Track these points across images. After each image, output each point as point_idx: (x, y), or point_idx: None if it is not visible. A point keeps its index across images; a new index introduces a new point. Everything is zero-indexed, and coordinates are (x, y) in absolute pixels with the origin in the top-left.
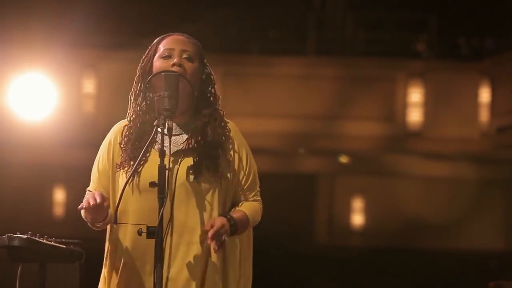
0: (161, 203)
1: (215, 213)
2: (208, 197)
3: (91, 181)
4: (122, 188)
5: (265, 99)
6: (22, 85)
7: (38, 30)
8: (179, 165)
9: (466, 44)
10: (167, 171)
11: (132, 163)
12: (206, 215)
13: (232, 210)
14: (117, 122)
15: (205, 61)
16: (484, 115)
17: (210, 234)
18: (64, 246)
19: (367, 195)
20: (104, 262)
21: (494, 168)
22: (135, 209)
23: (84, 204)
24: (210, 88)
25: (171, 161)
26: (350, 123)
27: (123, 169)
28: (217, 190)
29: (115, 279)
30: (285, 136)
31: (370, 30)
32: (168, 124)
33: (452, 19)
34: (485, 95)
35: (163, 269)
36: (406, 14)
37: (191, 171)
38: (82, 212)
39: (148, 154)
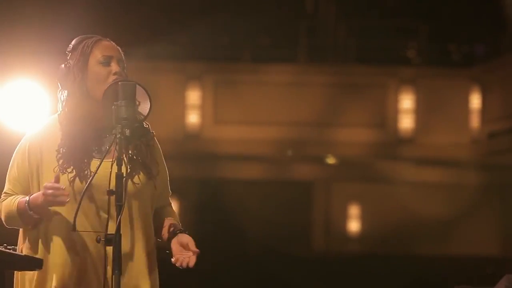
0: (119, 211)
1: (150, 218)
2: (147, 202)
3: (9, 183)
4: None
5: (257, 106)
6: (15, 93)
7: (28, 36)
8: (111, 171)
9: (456, 50)
10: (124, 179)
11: (72, 167)
12: (147, 219)
13: (168, 219)
14: None
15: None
16: (475, 121)
17: (194, 255)
18: (22, 254)
19: (362, 201)
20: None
21: (486, 173)
22: (66, 212)
23: (59, 198)
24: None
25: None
26: (342, 129)
27: (64, 172)
28: (148, 192)
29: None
30: (277, 143)
31: (361, 37)
32: (126, 132)
33: (443, 26)
34: (476, 101)
35: (120, 276)
36: (397, 21)
37: (133, 178)
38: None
39: (86, 161)
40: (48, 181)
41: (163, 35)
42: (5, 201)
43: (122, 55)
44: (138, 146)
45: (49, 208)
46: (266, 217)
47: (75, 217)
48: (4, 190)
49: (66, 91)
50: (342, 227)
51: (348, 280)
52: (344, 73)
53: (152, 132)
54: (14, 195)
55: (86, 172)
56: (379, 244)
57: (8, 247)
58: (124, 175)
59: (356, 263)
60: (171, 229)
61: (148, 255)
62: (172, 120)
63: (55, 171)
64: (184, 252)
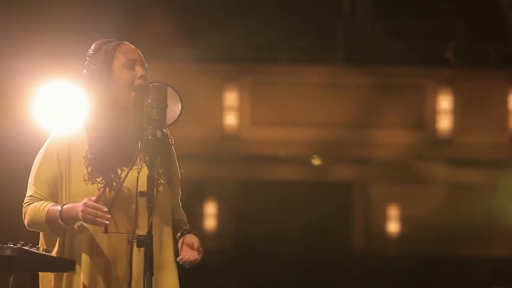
0: (150, 212)
1: (170, 221)
2: (166, 206)
3: (35, 186)
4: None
5: (294, 108)
6: (51, 95)
7: (66, 39)
8: (139, 175)
9: (494, 51)
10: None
11: (102, 177)
12: (165, 224)
13: (177, 220)
14: None
15: None
16: None
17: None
18: (54, 256)
19: (401, 202)
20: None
21: None
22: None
23: (99, 220)
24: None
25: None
26: (380, 131)
27: (94, 182)
28: (169, 199)
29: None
30: (315, 144)
31: (399, 38)
32: (158, 134)
33: (481, 27)
34: None
35: (152, 277)
36: (434, 22)
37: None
38: (56, 215)
39: (115, 171)
40: (76, 189)
41: (201, 37)
42: (32, 205)
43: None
44: (161, 152)
45: None
46: (305, 218)
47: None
48: (30, 194)
49: (91, 97)
50: (381, 228)
51: (387, 282)
52: (382, 74)
53: (171, 138)
54: (41, 199)
55: (115, 182)
56: (418, 246)
57: (33, 247)
58: (156, 177)
59: (395, 264)
60: (179, 230)
61: (174, 256)
62: (209, 122)
63: (84, 179)
64: (190, 251)
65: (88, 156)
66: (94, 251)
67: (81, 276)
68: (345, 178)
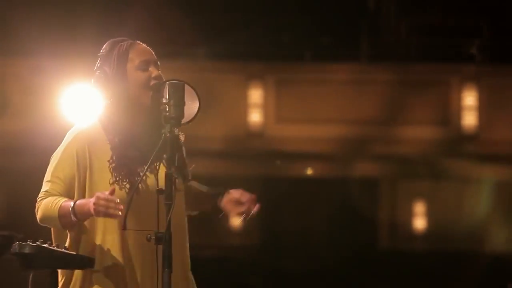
0: (168, 209)
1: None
2: (182, 204)
3: (52, 183)
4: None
5: (319, 105)
6: (78, 94)
7: (90, 38)
8: (158, 172)
9: None
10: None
11: (128, 180)
12: (183, 221)
13: (197, 191)
14: None
15: None
16: None
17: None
18: (73, 253)
19: (427, 198)
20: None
21: None
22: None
23: (111, 211)
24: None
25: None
26: (405, 127)
27: (122, 187)
28: (183, 196)
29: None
30: (341, 141)
31: (423, 35)
32: (175, 132)
33: (506, 23)
34: None
35: (171, 274)
36: (459, 18)
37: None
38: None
39: (139, 173)
40: (102, 191)
41: (225, 34)
42: (45, 200)
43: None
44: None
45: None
46: (331, 215)
47: (125, 216)
48: (46, 189)
49: (107, 98)
50: (408, 225)
51: (414, 278)
52: (406, 71)
53: (182, 134)
54: (54, 195)
55: (140, 185)
56: (445, 242)
57: (61, 245)
58: (174, 175)
59: (422, 261)
60: (209, 195)
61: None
62: (234, 119)
63: (110, 183)
64: (240, 205)
65: (113, 160)
66: (116, 249)
67: (101, 276)
68: (370, 174)
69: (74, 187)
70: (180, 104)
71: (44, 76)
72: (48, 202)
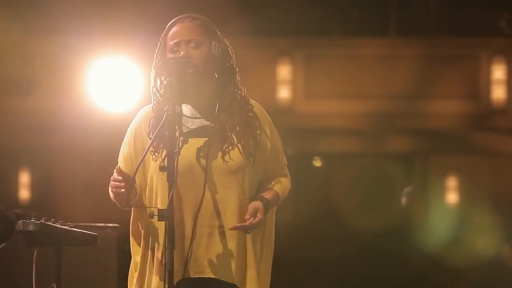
0: (171, 186)
1: (247, 193)
2: (239, 177)
3: (118, 162)
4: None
5: (348, 80)
6: (105, 71)
7: (123, 15)
8: (208, 147)
9: None
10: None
11: (160, 149)
12: (238, 196)
13: (264, 188)
14: None
15: (218, 34)
16: None
17: (247, 224)
18: (78, 230)
19: (459, 173)
20: (133, 249)
21: None
22: (164, 192)
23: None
24: (227, 64)
25: (194, 144)
26: (435, 101)
27: (155, 156)
28: (247, 169)
29: (151, 263)
30: (370, 116)
31: (452, 9)
32: (177, 109)
33: None
34: None
35: (174, 250)
36: None
37: (220, 152)
38: (111, 194)
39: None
40: (152, 167)
41: (254, 11)
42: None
43: (199, 29)
44: (231, 117)
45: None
46: (362, 190)
47: (172, 195)
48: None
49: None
50: (441, 199)
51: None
52: (436, 45)
53: (250, 105)
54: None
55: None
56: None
57: (65, 223)
58: (176, 151)
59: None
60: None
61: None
62: (263, 96)
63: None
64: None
65: (150, 134)
66: (154, 226)
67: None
68: (399, 149)
69: (132, 163)
70: (181, 81)
71: (73, 54)
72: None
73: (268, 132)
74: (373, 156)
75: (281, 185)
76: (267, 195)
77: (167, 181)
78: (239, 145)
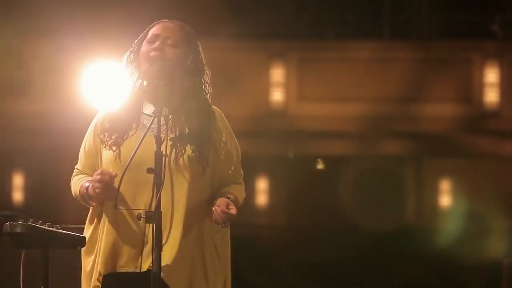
0: (158, 189)
1: (196, 195)
2: (196, 183)
3: (79, 160)
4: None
5: (341, 83)
6: (99, 73)
7: (114, 18)
8: (165, 146)
9: None
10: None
11: (115, 142)
12: (187, 198)
13: (222, 192)
14: None
15: (198, 49)
16: None
17: (220, 211)
18: (65, 232)
19: (451, 176)
20: (87, 244)
21: None
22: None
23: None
24: (198, 76)
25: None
26: (427, 105)
27: (110, 149)
28: (203, 176)
29: (103, 259)
30: (363, 119)
31: (445, 12)
32: (164, 112)
33: None
34: None
35: (161, 252)
36: None
37: (178, 159)
38: (84, 190)
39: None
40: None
41: (247, 14)
42: (75, 178)
43: (181, 33)
44: (191, 125)
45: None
46: (355, 193)
47: (116, 195)
48: (76, 166)
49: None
50: (434, 202)
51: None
52: (429, 48)
53: (212, 111)
54: (83, 172)
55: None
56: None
57: (52, 225)
58: (164, 154)
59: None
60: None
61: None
62: (256, 98)
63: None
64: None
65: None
66: (112, 227)
67: (100, 253)
68: (392, 152)
69: (96, 160)
70: (168, 84)
71: (67, 56)
72: (75, 181)
73: (224, 138)
74: (366, 159)
75: (240, 192)
76: (230, 195)
77: (154, 183)
78: (193, 147)
